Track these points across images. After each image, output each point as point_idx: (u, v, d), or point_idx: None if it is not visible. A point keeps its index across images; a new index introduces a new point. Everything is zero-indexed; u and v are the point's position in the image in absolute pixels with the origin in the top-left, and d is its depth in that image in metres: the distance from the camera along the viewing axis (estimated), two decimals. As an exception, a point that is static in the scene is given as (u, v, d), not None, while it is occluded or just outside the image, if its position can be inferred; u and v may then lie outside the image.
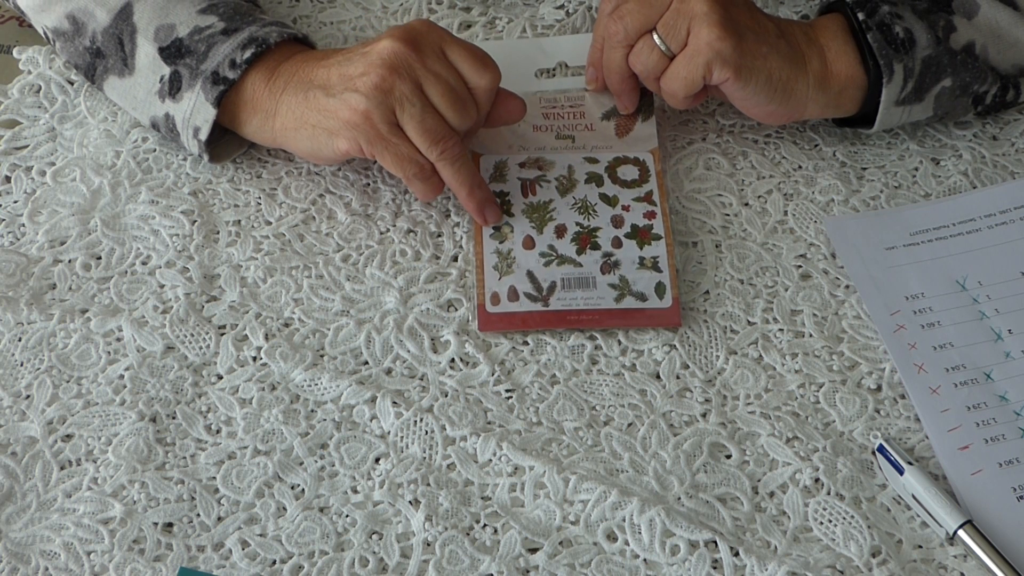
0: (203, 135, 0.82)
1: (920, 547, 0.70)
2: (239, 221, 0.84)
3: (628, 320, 0.78)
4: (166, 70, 0.83)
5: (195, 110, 0.82)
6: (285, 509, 0.71)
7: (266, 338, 0.78)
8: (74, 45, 0.86)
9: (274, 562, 0.69)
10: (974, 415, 0.74)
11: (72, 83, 0.91)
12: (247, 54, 0.81)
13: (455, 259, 0.82)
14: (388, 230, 0.84)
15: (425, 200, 0.83)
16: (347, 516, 0.71)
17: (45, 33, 0.88)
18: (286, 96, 0.81)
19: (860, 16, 0.83)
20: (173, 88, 0.82)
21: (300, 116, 0.80)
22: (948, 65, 0.84)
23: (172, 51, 0.82)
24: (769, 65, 0.81)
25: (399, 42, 0.77)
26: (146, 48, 0.83)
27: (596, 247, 0.81)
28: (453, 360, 0.77)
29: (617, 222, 0.82)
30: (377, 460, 0.73)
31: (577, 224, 0.82)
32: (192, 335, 0.78)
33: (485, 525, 0.71)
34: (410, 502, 0.71)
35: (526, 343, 0.78)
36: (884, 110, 0.84)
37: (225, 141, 0.86)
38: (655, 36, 0.81)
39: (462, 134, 0.80)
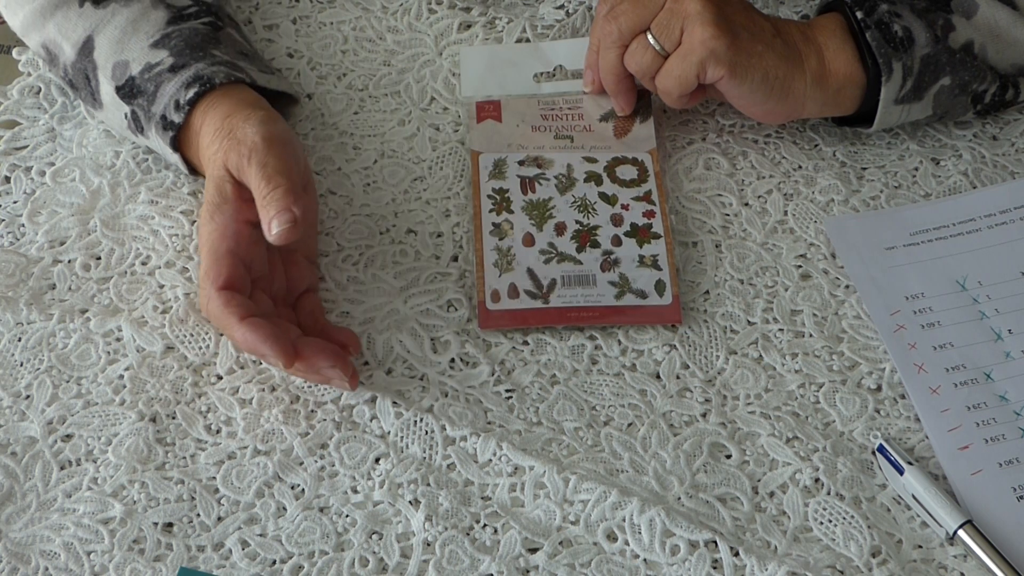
0: (184, 170, 0.83)
1: (920, 547, 0.70)
2: (239, 221, 0.84)
3: (629, 317, 0.78)
4: (126, 109, 0.82)
5: (163, 150, 0.82)
6: (285, 509, 0.71)
7: (266, 338, 0.78)
8: (55, 70, 0.86)
9: (274, 562, 0.69)
10: (974, 415, 0.74)
11: (72, 83, 0.91)
12: (190, 94, 0.79)
13: (455, 259, 0.82)
14: (388, 230, 0.84)
15: None
16: (347, 516, 0.71)
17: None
18: (206, 157, 0.78)
19: (858, 15, 0.83)
20: (137, 126, 0.82)
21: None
22: (947, 64, 0.84)
23: (127, 91, 0.82)
24: (765, 63, 0.81)
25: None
26: (106, 87, 0.82)
27: (596, 245, 0.81)
28: (453, 360, 0.77)
29: (616, 220, 0.82)
30: (377, 460, 0.73)
31: (577, 222, 0.82)
32: (192, 335, 0.78)
33: (485, 525, 0.70)
34: (410, 502, 0.71)
35: (526, 343, 0.78)
36: (883, 109, 0.84)
37: None
38: (649, 36, 0.81)
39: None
